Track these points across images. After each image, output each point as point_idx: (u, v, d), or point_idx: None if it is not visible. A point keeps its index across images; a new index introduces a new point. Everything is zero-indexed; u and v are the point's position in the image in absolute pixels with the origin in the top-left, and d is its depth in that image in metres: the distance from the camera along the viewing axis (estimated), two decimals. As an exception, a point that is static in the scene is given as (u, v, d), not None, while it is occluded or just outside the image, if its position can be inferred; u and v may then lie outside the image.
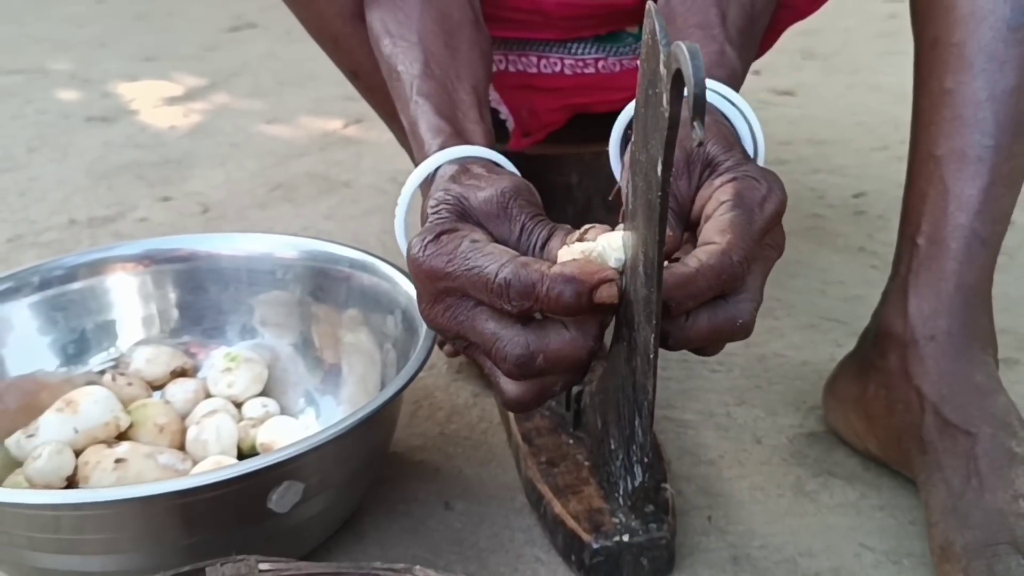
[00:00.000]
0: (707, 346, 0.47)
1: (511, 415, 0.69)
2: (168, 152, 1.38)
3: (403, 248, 0.57)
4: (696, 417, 0.73)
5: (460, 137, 0.58)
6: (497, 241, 0.49)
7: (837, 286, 0.93)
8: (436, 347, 0.63)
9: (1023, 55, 0.59)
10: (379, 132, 1.42)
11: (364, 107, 1.52)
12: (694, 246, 0.47)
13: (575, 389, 0.65)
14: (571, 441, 0.65)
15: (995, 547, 0.53)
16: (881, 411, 0.64)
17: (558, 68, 0.89)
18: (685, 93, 0.34)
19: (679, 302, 0.44)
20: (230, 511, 0.52)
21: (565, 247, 0.47)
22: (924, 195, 0.63)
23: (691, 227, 0.50)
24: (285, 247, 0.72)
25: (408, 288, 0.67)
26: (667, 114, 0.35)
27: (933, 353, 0.61)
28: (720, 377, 0.78)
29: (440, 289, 0.49)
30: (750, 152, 0.55)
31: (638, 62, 0.87)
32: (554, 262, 0.46)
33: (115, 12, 2.37)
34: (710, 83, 0.54)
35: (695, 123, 0.32)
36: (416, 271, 0.49)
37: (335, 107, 1.55)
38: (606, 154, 0.99)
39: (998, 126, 0.60)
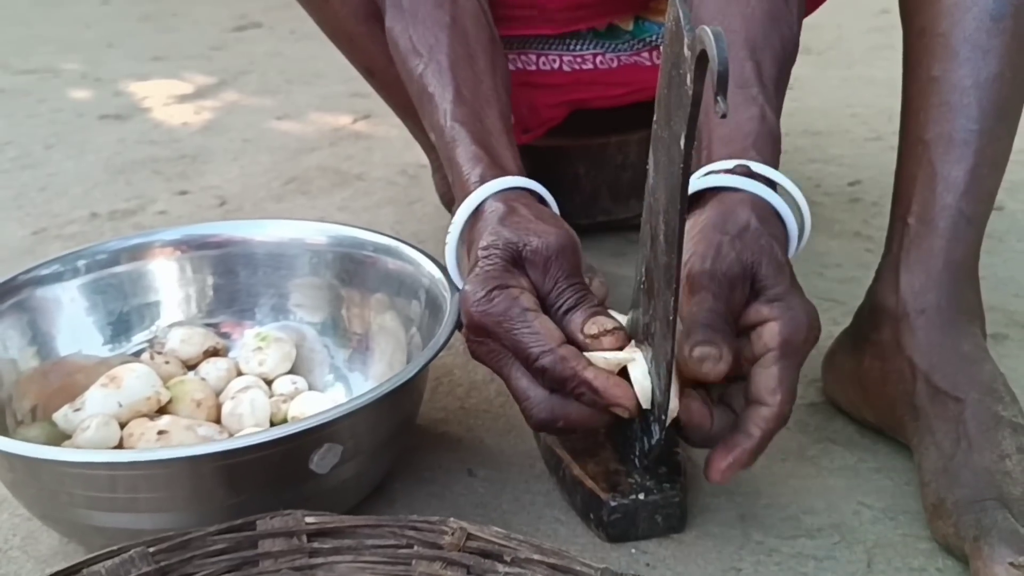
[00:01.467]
0: None
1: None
2: (182, 148, 1.42)
3: (457, 281, 0.64)
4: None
5: (497, 166, 0.62)
6: (534, 286, 0.57)
7: (834, 268, 0.97)
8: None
9: (1005, 44, 0.63)
10: (388, 127, 1.46)
11: (372, 104, 1.56)
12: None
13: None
14: (586, 411, 0.69)
15: (983, 502, 0.57)
16: (876, 381, 0.68)
17: (556, 65, 0.92)
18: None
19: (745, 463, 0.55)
20: (274, 471, 0.56)
21: (600, 355, 0.54)
22: (914, 178, 0.67)
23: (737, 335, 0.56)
24: (314, 233, 0.76)
25: (431, 270, 0.71)
26: (691, 92, 0.39)
27: (924, 325, 0.65)
28: (724, 354, 0.82)
29: (486, 335, 0.56)
30: (794, 239, 0.61)
31: (637, 56, 0.92)
32: (580, 345, 0.54)
33: (120, 13, 2.40)
34: (762, 168, 0.59)
35: (718, 98, 0.36)
36: (468, 317, 0.56)
37: (343, 104, 1.59)
38: (612, 145, 1.04)
39: (982, 111, 0.64)
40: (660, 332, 0.50)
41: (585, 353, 0.54)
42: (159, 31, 2.23)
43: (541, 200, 0.63)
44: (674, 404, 0.53)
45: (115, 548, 0.47)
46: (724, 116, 0.37)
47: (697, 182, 0.59)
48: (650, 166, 0.50)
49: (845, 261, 0.98)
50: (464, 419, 0.76)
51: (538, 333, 0.54)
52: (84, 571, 0.46)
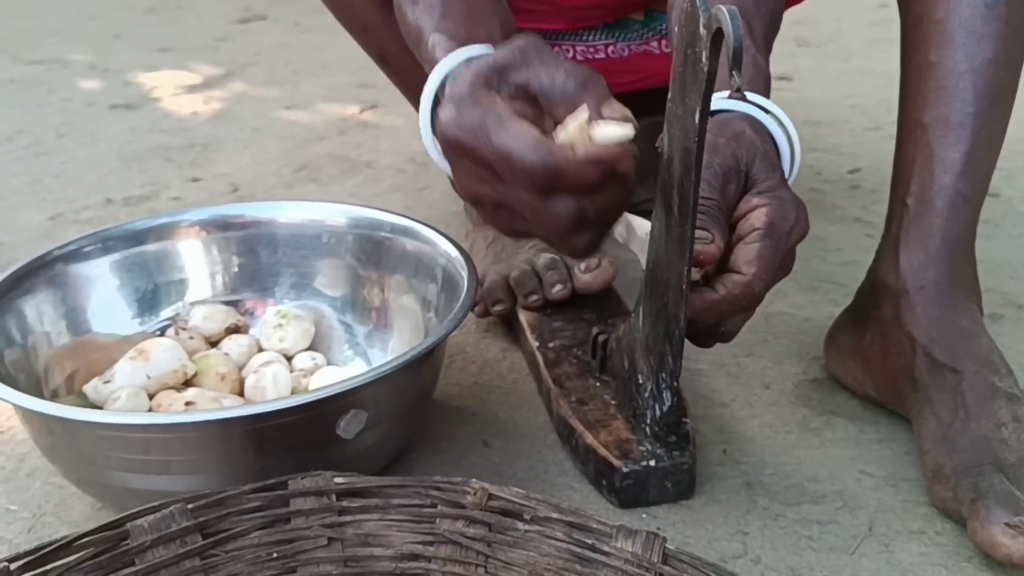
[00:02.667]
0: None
1: (542, 365, 0.75)
2: (193, 136, 1.44)
3: (430, 149, 0.60)
4: (708, 367, 0.80)
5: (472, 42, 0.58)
6: (526, 88, 0.51)
7: (835, 253, 1.00)
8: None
9: (999, 30, 0.66)
10: (395, 117, 1.48)
11: (379, 94, 1.59)
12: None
13: (601, 337, 0.72)
14: (598, 384, 0.72)
15: (980, 467, 0.60)
16: (877, 356, 0.71)
17: (570, 55, 0.95)
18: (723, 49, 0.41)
19: (704, 320, 0.55)
20: (301, 436, 0.58)
21: (603, 130, 0.49)
22: (912, 160, 0.70)
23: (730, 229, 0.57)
24: (334, 214, 0.78)
25: (447, 249, 0.73)
26: (706, 68, 0.42)
27: (923, 301, 0.68)
28: (729, 333, 0.85)
29: (470, 163, 0.52)
30: (786, 160, 0.61)
31: (646, 45, 0.94)
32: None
33: (126, 5, 2.42)
34: (756, 97, 0.60)
35: (733, 72, 0.39)
36: (445, 146, 0.53)
37: (350, 94, 1.61)
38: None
39: (978, 95, 0.67)
40: (673, 301, 0.53)
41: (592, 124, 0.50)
42: (165, 23, 2.24)
43: None
44: None
45: (156, 504, 0.49)
46: (739, 90, 0.39)
47: None
48: (664, 142, 0.52)
49: (845, 245, 1.01)
50: (478, 394, 0.78)
51: (517, 134, 0.49)
52: (128, 524, 0.48)
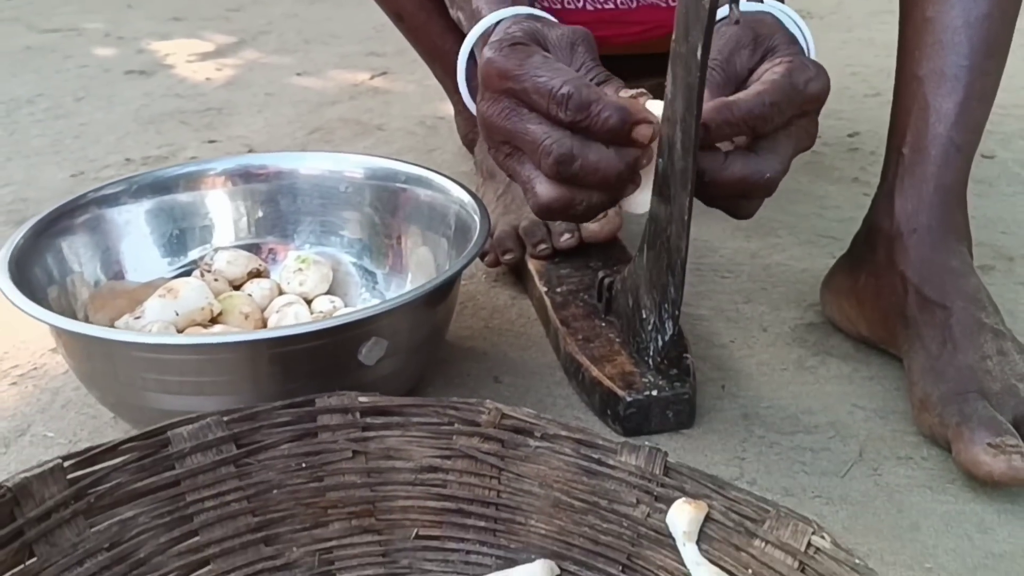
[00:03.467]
0: (737, 197, 0.56)
1: (549, 307, 0.79)
2: (208, 101, 1.47)
3: (464, 94, 0.64)
4: (708, 312, 0.84)
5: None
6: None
7: (833, 210, 1.03)
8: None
9: (993, -15, 0.69)
10: (405, 83, 1.52)
11: (389, 61, 1.62)
12: None
13: (607, 280, 0.75)
14: (603, 324, 0.75)
15: (965, 395, 0.63)
16: (870, 297, 0.74)
17: (580, 4, 0.97)
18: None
19: (717, 125, 0.52)
20: (326, 360, 0.62)
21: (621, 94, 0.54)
22: (908, 111, 0.73)
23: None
24: (353, 165, 0.82)
25: (460, 195, 0.76)
26: (707, 5, 0.45)
27: (915, 244, 0.71)
28: (729, 281, 0.89)
29: (504, 89, 0.55)
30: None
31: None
32: None
33: (136, -24, 2.44)
34: (774, 3, 0.61)
35: (732, 5, 0.42)
36: (486, 69, 0.55)
37: (361, 62, 1.64)
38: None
39: (972, 48, 0.70)
40: (676, 233, 0.56)
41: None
42: (176, -6, 2.27)
43: None
44: None
45: (194, 415, 0.53)
46: (738, 23, 0.42)
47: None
48: (668, 81, 0.55)
49: (843, 204, 1.04)
50: (489, 336, 0.82)
51: (560, 69, 0.53)
52: (168, 432, 0.52)
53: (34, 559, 0.46)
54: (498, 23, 0.60)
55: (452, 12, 0.70)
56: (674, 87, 0.53)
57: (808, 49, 0.62)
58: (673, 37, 0.54)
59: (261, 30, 1.89)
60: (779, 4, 0.62)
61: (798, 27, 0.62)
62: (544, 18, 0.60)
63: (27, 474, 0.47)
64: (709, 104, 0.52)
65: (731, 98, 0.53)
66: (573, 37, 0.57)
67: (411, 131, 1.32)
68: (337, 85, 1.54)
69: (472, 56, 0.64)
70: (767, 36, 0.57)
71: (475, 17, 0.63)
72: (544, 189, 0.55)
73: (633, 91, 0.56)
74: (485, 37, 0.61)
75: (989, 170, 1.10)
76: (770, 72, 0.55)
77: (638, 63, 1.02)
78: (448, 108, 1.24)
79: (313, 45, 1.79)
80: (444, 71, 0.97)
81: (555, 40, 0.57)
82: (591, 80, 0.56)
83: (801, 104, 0.55)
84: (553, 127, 0.53)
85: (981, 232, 0.93)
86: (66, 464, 0.48)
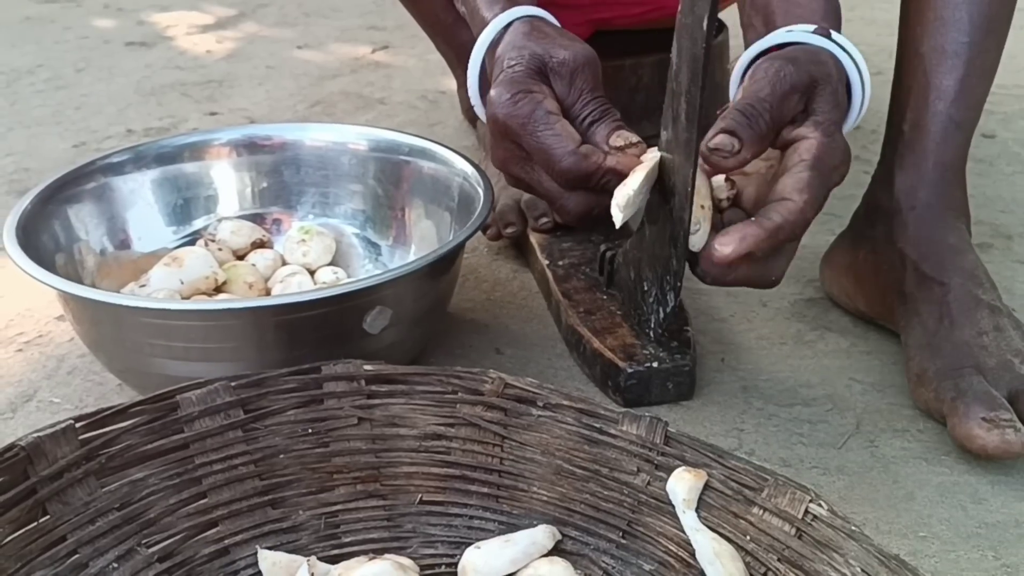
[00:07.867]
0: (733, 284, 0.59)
1: (551, 280, 0.79)
2: (208, 73, 1.47)
3: (476, 104, 0.67)
4: (708, 287, 0.84)
5: (516, 4, 0.65)
6: (557, 97, 0.59)
7: (833, 187, 1.03)
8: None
9: (994, -37, 0.69)
10: (406, 57, 1.51)
11: (390, 36, 1.61)
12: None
13: (608, 253, 0.76)
14: (605, 297, 0.76)
15: (961, 370, 0.64)
16: (869, 273, 0.75)
17: None
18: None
19: (762, 250, 0.54)
20: (331, 328, 0.62)
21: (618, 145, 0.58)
22: (909, 88, 0.74)
23: (772, 143, 0.58)
24: (356, 137, 0.82)
25: (463, 167, 0.77)
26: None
27: (914, 220, 0.72)
28: (729, 257, 0.89)
29: (511, 144, 0.59)
30: (855, 105, 0.62)
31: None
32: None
33: (135, -52, 2.43)
34: (840, 38, 0.62)
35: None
36: (493, 124, 0.59)
37: (362, 36, 1.64)
38: (627, 68, 1.09)
39: (973, 25, 0.71)
40: (678, 204, 0.57)
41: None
42: (175, -34, 2.26)
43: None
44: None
45: (203, 380, 0.54)
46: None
47: (781, 35, 0.61)
48: (673, 53, 0.56)
49: (844, 181, 1.04)
50: (490, 308, 0.82)
51: (560, 135, 0.57)
52: (178, 396, 0.53)
53: (47, 516, 0.47)
54: (507, 26, 0.62)
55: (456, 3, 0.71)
56: (679, 59, 0.54)
57: (864, 87, 0.62)
58: (680, 9, 0.55)
59: (261, 3, 1.88)
60: (844, 39, 0.62)
61: (856, 66, 0.62)
62: (546, 21, 0.63)
63: (40, 434, 0.48)
64: (727, 244, 0.54)
65: (777, 222, 0.54)
66: (574, 65, 0.59)
67: (413, 105, 1.32)
68: (338, 58, 1.53)
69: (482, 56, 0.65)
70: (817, 85, 0.57)
71: (474, 15, 0.65)
72: (574, 217, 0.60)
73: (626, 139, 0.58)
74: (493, 47, 0.63)
75: (989, 149, 1.10)
76: (799, 166, 0.56)
77: (643, 38, 1.02)
78: (450, 82, 1.24)
79: (313, 18, 1.78)
80: (446, 44, 0.98)
81: (557, 67, 0.59)
82: (586, 116, 0.59)
83: (826, 196, 0.58)
84: (562, 188, 0.59)
85: (980, 211, 0.94)
86: (78, 425, 0.49)
